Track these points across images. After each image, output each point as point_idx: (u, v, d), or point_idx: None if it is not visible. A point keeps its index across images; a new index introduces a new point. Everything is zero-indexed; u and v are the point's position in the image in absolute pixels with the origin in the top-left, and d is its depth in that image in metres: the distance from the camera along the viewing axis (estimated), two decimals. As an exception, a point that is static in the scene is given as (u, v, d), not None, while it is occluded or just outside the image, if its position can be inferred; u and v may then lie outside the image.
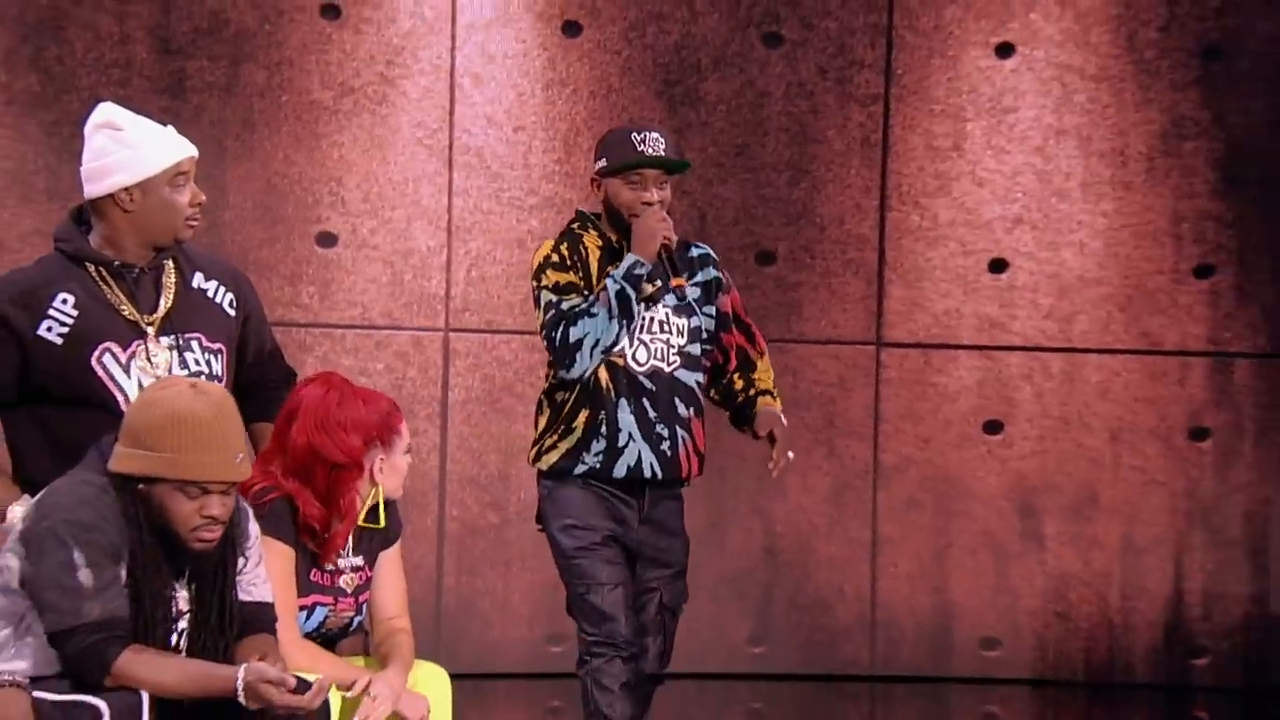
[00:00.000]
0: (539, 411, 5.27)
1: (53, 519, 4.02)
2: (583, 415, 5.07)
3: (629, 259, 4.99)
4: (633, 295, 4.98)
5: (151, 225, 4.50)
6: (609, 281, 4.99)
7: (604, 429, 5.04)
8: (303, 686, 3.98)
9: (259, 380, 4.81)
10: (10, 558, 4.07)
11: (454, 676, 4.73)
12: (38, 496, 4.17)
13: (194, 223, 4.56)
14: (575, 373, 5.00)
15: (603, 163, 5.15)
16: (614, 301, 4.96)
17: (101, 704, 3.85)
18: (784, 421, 5.22)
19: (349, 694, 4.47)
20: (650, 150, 5.09)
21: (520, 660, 8.79)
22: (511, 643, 8.84)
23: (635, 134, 5.13)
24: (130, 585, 4.04)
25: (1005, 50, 9.08)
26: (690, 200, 8.96)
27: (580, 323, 4.95)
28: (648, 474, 5.06)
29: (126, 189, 4.47)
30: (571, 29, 8.89)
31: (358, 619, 4.68)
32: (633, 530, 5.11)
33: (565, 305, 5.00)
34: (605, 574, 5.04)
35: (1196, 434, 9.14)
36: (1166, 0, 9.18)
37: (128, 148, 4.50)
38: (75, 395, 4.43)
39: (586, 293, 5.04)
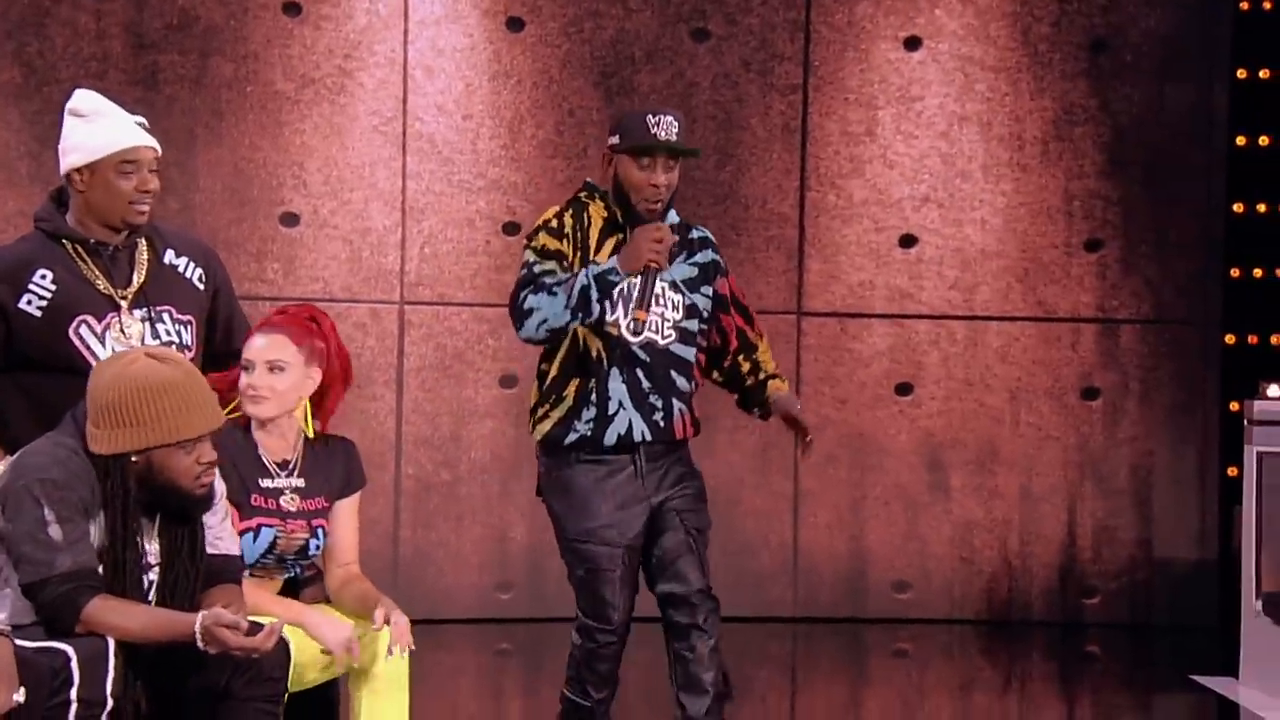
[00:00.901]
0: (535, 384, 5.01)
1: (27, 478, 3.99)
2: (573, 384, 4.82)
3: (611, 263, 4.73)
4: (594, 296, 4.70)
5: (99, 206, 4.49)
6: (582, 273, 4.73)
7: (594, 397, 4.80)
8: (256, 629, 3.95)
9: (226, 349, 4.76)
10: None
11: (410, 622, 4.66)
12: (14, 457, 4.14)
13: (141, 209, 4.51)
14: (521, 336, 4.81)
15: (616, 140, 4.90)
16: (575, 293, 4.70)
17: (69, 649, 3.81)
18: (799, 405, 5.07)
19: (375, 628, 4.47)
20: (663, 135, 4.83)
21: (471, 606, 8.78)
22: (463, 590, 8.83)
23: (650, 116, 4.86)
24: (104, 540, 4.01)
25: (913, 44, 9.09)
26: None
27: (540, 295, 4.71)
28: (638, 439, 4.81)
29: (78, 169, 4.48)
30: (515, 25, 8.87)
31: (314, 543, 4.59)
32: (640, 487, 4.84)
33: (538, 269, 4.77)
34: (604, 559, 4.80)
35: (1087, 394, 9.18)
36: (1058, -4, 9.23)
37: (83, 131, 4.51)
38: (55, 364, 4.40)
39: (568, 264, 4.81)
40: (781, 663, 8.62)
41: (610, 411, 4.78)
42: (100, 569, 3.99)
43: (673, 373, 4.85)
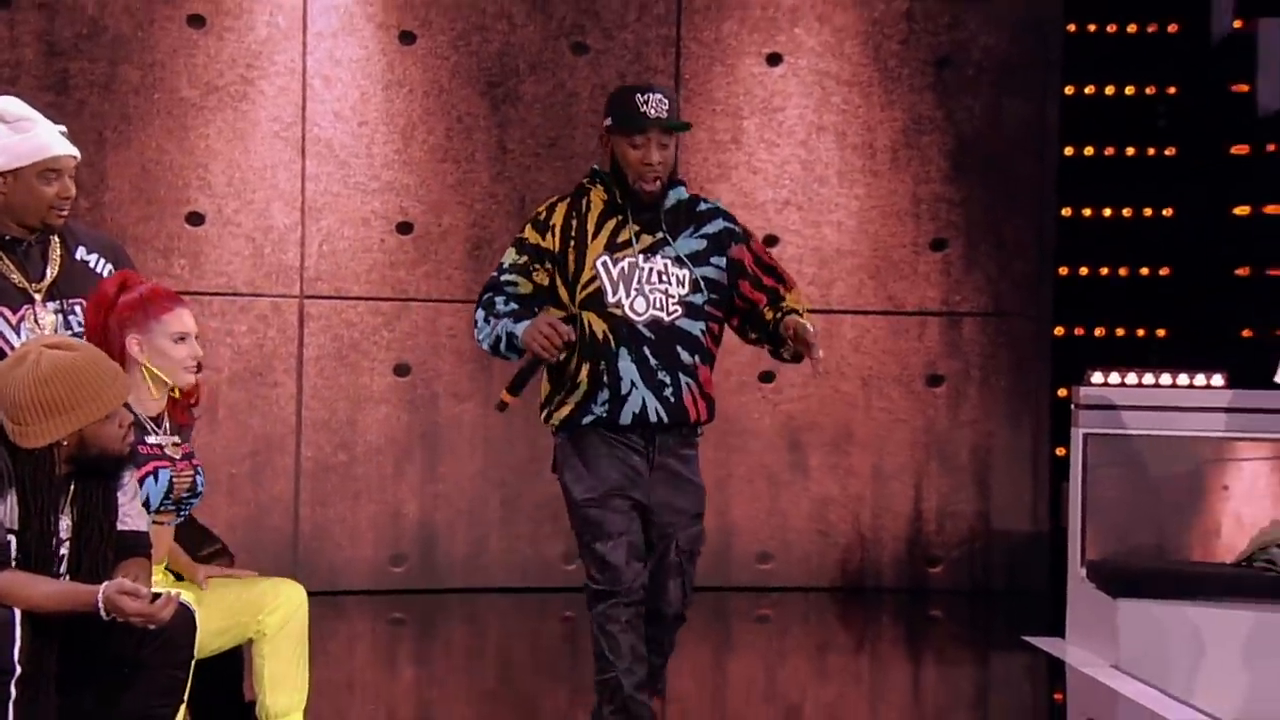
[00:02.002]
0: (544, 372, 4.71)
1: None
2: (585, 369, 4.56)
3: (520, 335, 4.52)
4: (503, 349, 4.59)
5: (20, 209, 4.42)
6: (504, 324, 4.55)
7: (605, 379, 4.54)
8: (156, 599, 3.91)
9: None
10: None
11: (310, 593, 4.65)
12: None
13: (61, 213, 4.47)
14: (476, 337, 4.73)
15: (609, 121, 4.64)
16: (495, 337, 4.59)
17: None
18: (809, 325, 4.63)
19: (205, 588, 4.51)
20: (654, 112, 4.53)
21: (367, 579, 8.71)
22: (359, 564, 8.76)
23: (640, 95, 4.58)
24: (16, 518, 3.95)
25: (774, 59, 9.12)
26: (511, 185, 8.95)
27: (481, 313, 4.62)
28: (653, 419, 4.54)
29: (1, 174, 4.41)
30: (407, 38, 8.80)
31: (199, 480, 4.57)
32: (644, 480, 4.60)
33: (503, 279, 4.63)
34: (611, 524, 4.56)
35: (932, 380, 9.26)
36: (906, 18, 9.27)
37: (9, 138, 4.43)
38: None
39: (548, 263, 4.61)
40: (560, 644, 8.56)
41: (624, 391, 4.55)
42: (11, 544, 3.93)
43: (679, 348, 4.60)
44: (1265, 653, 6.34)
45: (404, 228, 8.82)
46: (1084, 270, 9.76)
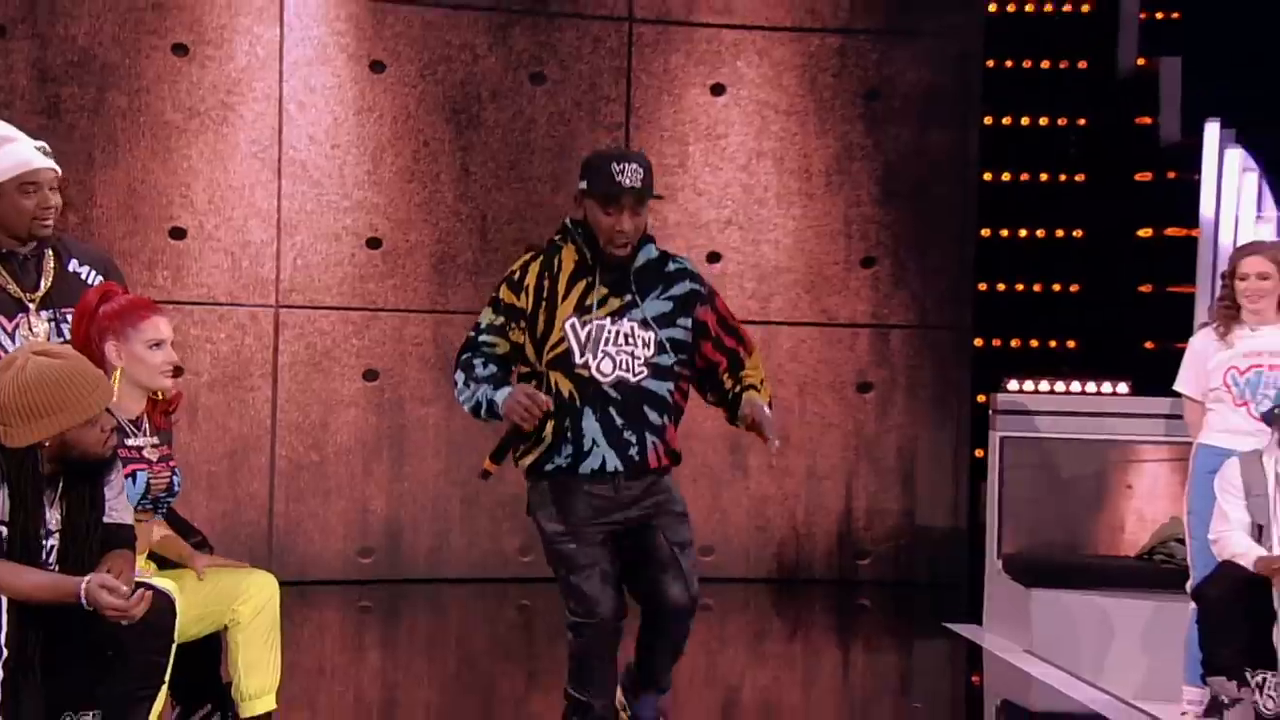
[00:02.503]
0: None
1: None
2: (550, 425, 4.28)
3: (499, 405, 4.29)
4: (483, 415, 4.35)
5: (5, 221, 4.38)
6: (484, 390, 4.33)
7: (569, 435, 4.28)
8: (136, 591, 3.89)
9: None
10: None
11: (283, 583, 4.62)
12: None
13: (44, 223, 4.41)
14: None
15: (584, 185, 4.36)
16: (475, 402, 4.35)
17: None
18: (765, 408, 4.37)
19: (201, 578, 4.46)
20: (628, 182, 4.28)
21: (336, 570, 8.68)
22: (330, 555, 8.72)
23: (615, 164, 4.31)
24: (7, 511, 3.90)
25: (718, 90, 9.15)
26: (473, 204, 8.93)
27: (460, 374, 4.40)
28: (611, 470, 4.30)
29: None
30: (377, 67, 8.78)
31: (175, 480, 4.52)
32: (618, 502, 4.35)
33: (481, 340, 4.40)
34: (583, 556, 4.30)
35: (862, 387, 9.29)
36: (838, 53, 9.31)
37: None
38: None
39: (522, 323, 4.38)
40: (515, 630, 8.56)
41: (585, 449, 4.29)
42: (6, 536, 3.89)
43: (645, 407, 4.32)
44: (1163, 638, 6.37)
45: (373, 243, 8.79)
46: (1001, 286, 9.82)
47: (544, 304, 4.37)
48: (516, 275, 4.44)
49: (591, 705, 4.36)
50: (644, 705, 4.38)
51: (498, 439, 4.40)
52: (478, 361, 4.39)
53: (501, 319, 4.42)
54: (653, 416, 4.32)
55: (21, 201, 4.37)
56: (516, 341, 4.44)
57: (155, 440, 4.49)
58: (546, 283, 4.38)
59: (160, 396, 4.51)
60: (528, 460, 4.39)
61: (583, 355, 4.33)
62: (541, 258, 4.45)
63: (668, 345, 4.36)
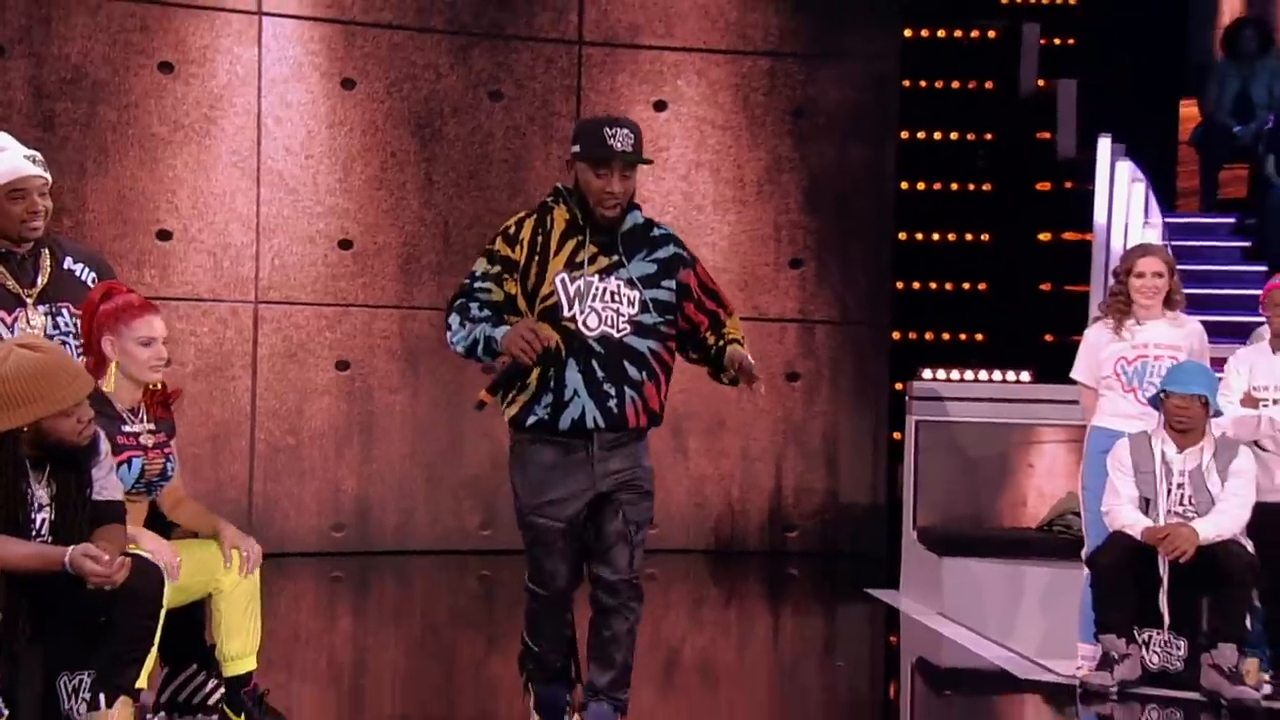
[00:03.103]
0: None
1: None
2: (534, 373, 4.05)
3: (499, 340, 4.07)
4: (480, 354, 4.10)
5: None
6: (483, 328, 4.10)
7: (551, 384, 4.03)
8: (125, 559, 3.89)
9: None
10: None
11: (263, 555, 4.60)
12: None
13: (33, 226, 4.37)
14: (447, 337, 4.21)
15: (576, 149, 4.14)
16: (472, 341, 4.10)
17: None
18: (749, 357, 4.20)
19: (227, 565, 4.43)
20: (619, 146, 4.06)
21: (311, 543, 8.64)
22: (304, 531, 8.68)
23: (608, 128, 4.09)
24: None
25: (660, 106, 9.15)
26: (437, 211, 8.90)
27: (456, 318, 4.14)
28: (590, 425, 4.05)
29: None
30: (348, 84, 8.73)
31: (169, 466, 4.50)
32: (590, 475, 4.11)
33: (476, 287, 4.14)
34: (548, 534, 4.11)
35: (791, 377, 9.31)
36: (769, 74, 9.33)
37: None
38: None
39: (515, 273, 4.14)
40: (476, 598, 8.53)
41: (566, 398, 4.04)
42: None
43: (625, 363, 4.07)
44: (1060, 601, 6.42)
45: (344, 245, 8.75)
46: (916, 285, 9.87)
47: (536, 258, 4.17)
48: (511, 230, 4.22)
49: (544, 654, 4.30)
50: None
51: (494, 378, 4.18)
52: (473, 305, 4.18)
53: (497, 268, 4.21)
54: (632, 372, 4.10)
55: (10, 207, 4.34)
56: (509, 292, 4.24)
57: (152, 427, 4.46)
58: (540, 238, 4.17)
59: (155, 388, 4.47)
60: (512, 411, 4.15)
61: (570, 309, 4.14)
62: (535, 216, 4.25)
63: (651, 305, 4.14)
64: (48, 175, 4.43)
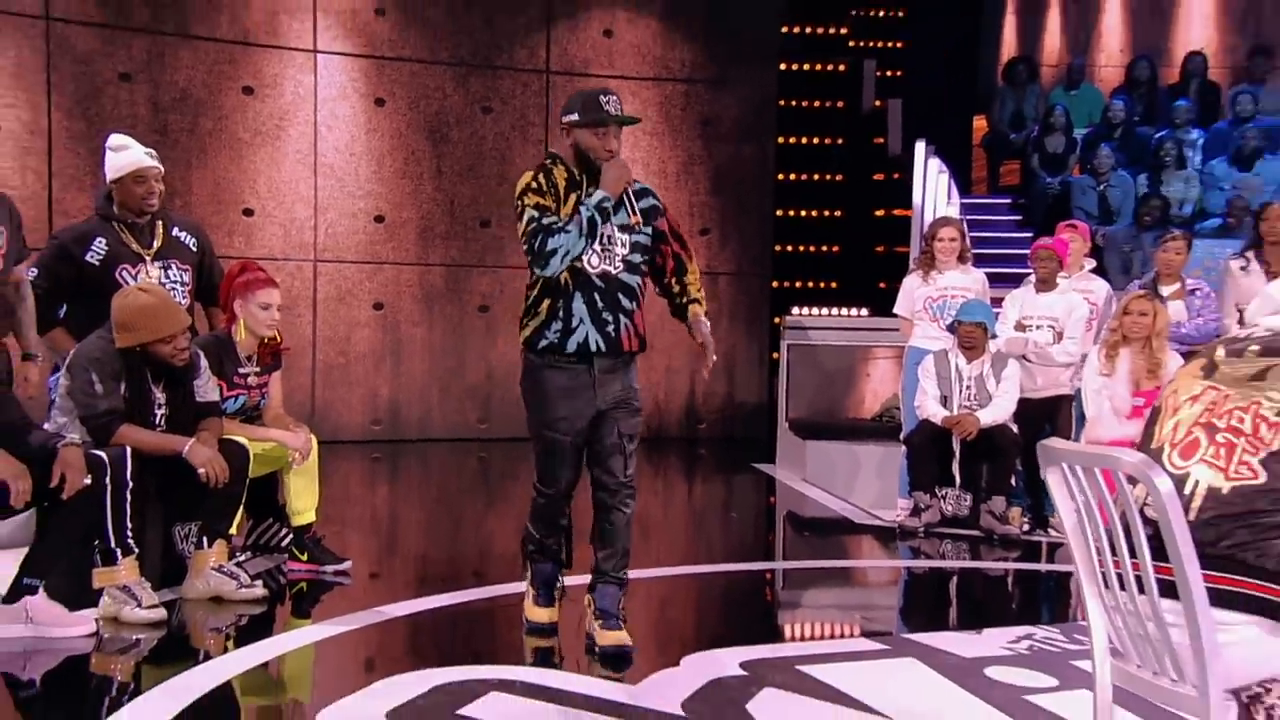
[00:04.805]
0: (524, 300, 3.67)
1: (83, 358, 3.90)
2: (545, 303, 3.55)
3: (600, 194, 3.48)
4: (599, 221, 3.48)
5: (126, 202, 4.38)
6: (582, 209, 3.47)
7: (560, 313, 3.54)
8: (233, 446, 3.96)
9: (209, 284, 4.65)
10: (63, 379, 3.96)
11: (320, 441, 4.66)
12: (76, 346, 4.01)
13: (150, 203, 4.38)
14: (549, 272, 3.48)
15: (574, 116, 3.53)
16: (585, 224, 3.45)
17: (104, 454, 3.69)
18: (708, 327, 3.70)
19: (296, 465, 4.45)
20: (614, 110, 3.51)
21: (357, 434, 8.65)
22: (352, 425, 8.69)
23: (602, 96, 3.52)
24: (127, 392, 3.92)
25: (605, 119, 9.10)
26: (444, 194, 8.85)
27: (556, 236, 3.44)
28: (594, 348, 3.55)
29: (114, 181, 4.37)
30: (380, 102, 8.66)
31: (261, 400, 4.53)
32: (592, 396, 3.59)
33: (546, 220, 3.47)
34: (555, 446, 3.61)
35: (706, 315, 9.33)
36: (684, 95, 9.32)
37: (114, 159, 4.38)
38: (106, 292, 4.22)
39: (557, 210, 3.53)
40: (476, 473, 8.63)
41: (573, 325, 3.54)
42: (125, 409, 3.90)
43: (620, 295, 3.57)
44: (887, 469, 6.52)
45: (378, 219, 8.71)
46: (790, 248, 9.95)
47: (555, 203, 3.57)
48: (535, 184, 3.55)
49: (544, 539, 3.83)
50: (602, 596, 3.69)
51: (627, 203, 3.58)
52: (555, 225, 3.50)
53: (547, 202, 3.55)
54: (626, 303, 3.59)
55: (135, 189, 4.36)
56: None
57: (258, 369, 4.47)
58: (551, 189, 3.58)
59: (267, 341, 4.47)
60: (526, 333, 3.63)
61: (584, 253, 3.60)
62: (541, 172, 3.61)
63: (637, 247, 3.62)
64: (161, 166, 4.43)
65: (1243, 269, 5.86)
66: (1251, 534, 1.88)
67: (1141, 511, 1.93)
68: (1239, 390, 1.98)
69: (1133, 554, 1.92)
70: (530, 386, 3.65)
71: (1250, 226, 6.21)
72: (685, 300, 3.72)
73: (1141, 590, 1.93)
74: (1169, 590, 1.87)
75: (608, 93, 3.54)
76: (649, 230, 3.65)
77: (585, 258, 3.52)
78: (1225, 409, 1.98)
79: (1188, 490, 1.95)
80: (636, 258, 3.61)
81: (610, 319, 3.55)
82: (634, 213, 3.51)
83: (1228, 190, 7.97)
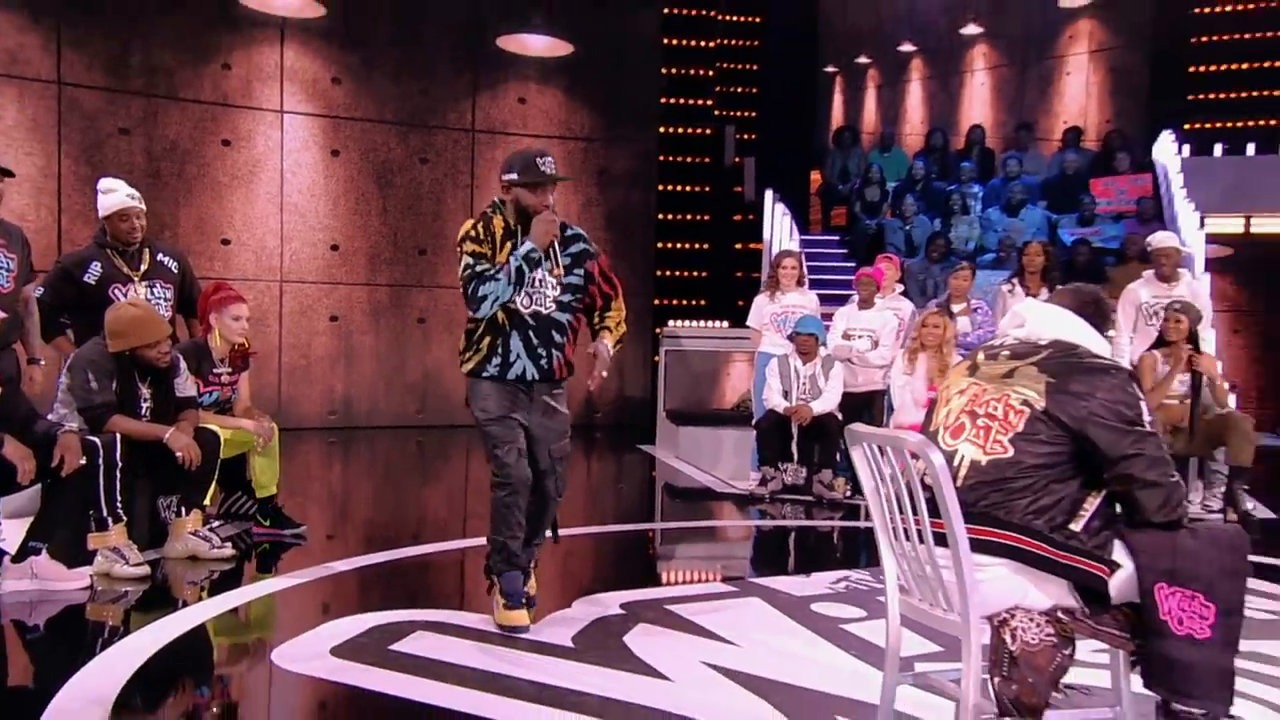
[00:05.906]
0: (464, 336, 3.37)
1: (81, 360, 3.80)
2: (486, 340, 3.27)
3: (527, 246, 3.22)
4: (526, 270, 3.20)
5: (114, 235, 4.26)
6: (512, 259, 3.21)
7: (499, 349, 3.26)
8: (205, 433, 3.87)
9: (189, 300, 4.52)
10: (63, 377, 3.85)
11: (283, 428, 4.57)
12: (76, 350, 3.91)
13: (134, 236, 4.26)
14: (480, 314, 3.21)
15: (514, 175, 3.25)
16: (513, 273, 3.19)
17: (97, 440, 3.62)
18: (607, 350, 3.41)
19: (261, 445, 4.35)
20: (549, 170, 3.24)
21: (316, 422, 8.48)
22: (312, 415, 8.51)
23: (539, 159, 3.25)
24: (117, 388, 3.81)
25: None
26: (389, 229, 8.72)
27: (488, 284, 3.18)
28: (529, 378, 3.28)
29: (104, 218, 4.26)
30: (336, 154, 8.49)
31: (233, 395, 4.43)
32: (526, 407, 3.32)
33: (479, 268, 3.19)
34: (505, 435, 3.26)
35: (618, 345, 9.32)
36: (584, 151, 9.32)
37: (103, 200, 4.26)
38: (100, 306, 4.09)
39: (492, 257, 3.24)
40: (415, 454, 8.56)
41: (511, 359, 3.28)
42: (116, 402, 3.80)
43: (552, 331, 3.31)
44: (742, 448, 6.62)
45: (334, 248, 8.53)
46: (669, 273, 9.98)
47: (491, 251, 3.28)
48: (474, 233, 3.27)
49: (508, 544, 3.37)
50: (508, 580, 3.33)
51: (552, 255, 3.33)
52: (488, 273, 3.23)
53: (483, 249, 3.26)
54: (557, 338, 3.33)
55: (120, 224, 4.25)
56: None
57: (229, 370, 4.38)
58: (489, 237, 3.28)
59: (237, 346, 4.38)
60: (469, 365, 3.34)
61: (516, 294, 3.33)
62: (481, 222, 3.32)
63: (567, 288, 3.35)
64: (142, 205, 4.30)
65: (1010, 292, 6.11)
66: (1002, 496, 1.97)
67: (921, 480, 2.01)
68: (994, 385, 2.07)
69: (915, 512, 2.00)
70: (475, 395, 3.33)
71: (1016, 259, 6.49)
72: (598, 328, 3.47)
73: (921, 540, 2.01)
74: (941, 540, 1.95)
75: (544, 154, 3.29)
76: (580, 272, 3.39)
77: (518, 300, 3.28)
78: (984, 399, 2.06)
79: (955, 463, 2.03)
80: (567, 297, 3.35)
81: (544, 352, 3.31)
82: (558, 265, 3.32)
83: (1000, 232, 8.29)
